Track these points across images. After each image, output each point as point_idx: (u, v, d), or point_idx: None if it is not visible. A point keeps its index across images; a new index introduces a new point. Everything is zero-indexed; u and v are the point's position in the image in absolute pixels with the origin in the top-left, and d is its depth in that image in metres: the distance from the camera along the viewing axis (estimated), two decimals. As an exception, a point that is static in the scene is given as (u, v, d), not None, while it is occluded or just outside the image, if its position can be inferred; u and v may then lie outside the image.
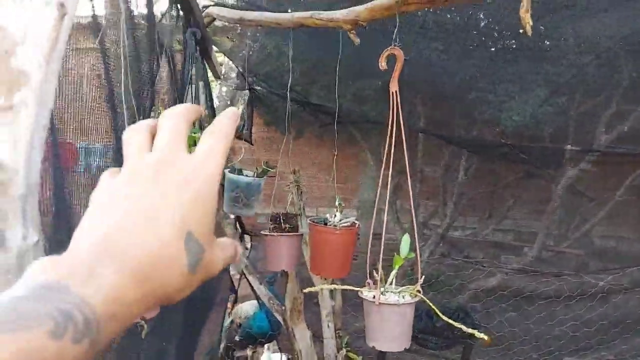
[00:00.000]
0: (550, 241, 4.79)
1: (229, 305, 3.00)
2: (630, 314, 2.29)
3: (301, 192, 1.89)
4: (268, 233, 1.57)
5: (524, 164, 4.28)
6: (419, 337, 2.41)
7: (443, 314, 1.15)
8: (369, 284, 1.14)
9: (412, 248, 1.15)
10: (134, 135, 0.38)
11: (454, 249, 5.21)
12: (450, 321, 1.09)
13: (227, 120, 0.40)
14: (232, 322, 3.24)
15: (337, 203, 1.46)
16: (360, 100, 4.06)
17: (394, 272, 1.14)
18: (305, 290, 1.30)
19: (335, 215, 1.43)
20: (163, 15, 1.38)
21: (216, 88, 3.02)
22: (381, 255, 1.07)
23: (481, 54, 3.18)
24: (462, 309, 2.56)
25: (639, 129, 3.59)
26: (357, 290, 1.13)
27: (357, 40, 1.36)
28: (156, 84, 1.19)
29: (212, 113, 2.32)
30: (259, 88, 2.89)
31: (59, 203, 0.75)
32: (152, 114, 1.14)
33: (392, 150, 1.20)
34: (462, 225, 5.59)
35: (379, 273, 1.09)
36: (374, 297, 1.08)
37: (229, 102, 2.71)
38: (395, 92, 1.19)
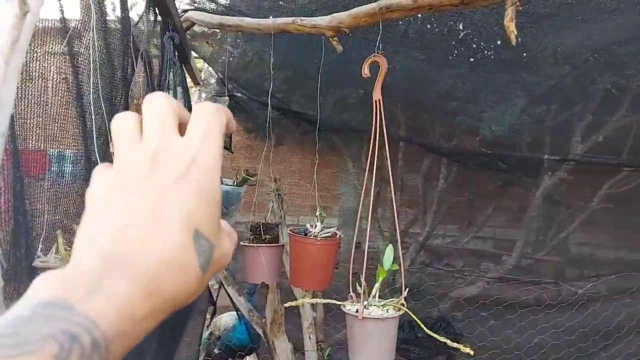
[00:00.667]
0: (529, 249, 4.84)
1: (208, 317, 2.93)
2: (609, 322, 2.30)
3: (282, 201, 1.85)
4: (247, 244, 1.52)
5: (503, 172, 4.33)
6: (401, 348, 2.38)
7: (424, 324, 1.12)
8: (351, 297, 1.10)
9: (396, 259, 1.12)
10: (122, 124, 0.35)
11: (434, 257, 5.22)
12: (434, 335, 1.06)
13: (217, 105, 0.36)
14: (211, 334, 3.16)
15: (317, 213, 1.42)
16: (342, 108, 4.06)
17: (377, 285, 1.11)
18: (286, 305, 1.26)
19: (315, 226, 1.39)
20: (140, 18, 1.33)
21: (195, 94, 2.97)
22: (364, 267, 1.04)
23: (461, 64, 3.21)
24: (444, 319, 2.54)
25: (613, 138, 3.66)
26: (340, 304, 1.10)
27: (339, 48, 1.33)
28: (132, 89, 1.14)
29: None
30: (239, 95, 2.84)
31: (19, 216, 0.69)
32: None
33: (375, 159, 1.17)
34: (442, 233, 5.61)
35: (362, 286, 1.05)
36: (356, 311, 1.05)
37: (208, 109, 2.66)
38: (378, 100, 1.16)
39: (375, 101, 1.16)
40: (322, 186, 5.62)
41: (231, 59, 2.63)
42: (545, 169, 4.06)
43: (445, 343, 1.07)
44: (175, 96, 1.90)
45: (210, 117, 0.34)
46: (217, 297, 2.71)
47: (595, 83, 3.33)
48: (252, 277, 1.54)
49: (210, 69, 2.80)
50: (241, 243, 1.53)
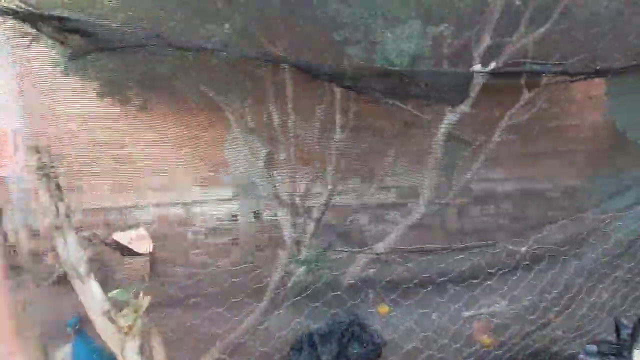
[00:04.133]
0: (436, 194, 4.48)
1: None
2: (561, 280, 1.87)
3: (58, 187, 1.06)
4: None
5: (402, 110, 3.84)
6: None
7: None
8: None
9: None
10: None
11: (339, 217, 4.73)
12: None
13: None
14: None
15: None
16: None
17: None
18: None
19: None
20: None
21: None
22: None
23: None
24: (359, 322, 1.91)
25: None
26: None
27: None
28: None
29: None
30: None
31: None
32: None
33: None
34: (345, 189, 5.11)
35: None
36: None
37: None
38: None
39: None
40: (204, 153, 4.76)
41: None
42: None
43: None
44: None
45: None
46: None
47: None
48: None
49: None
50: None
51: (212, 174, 4.99)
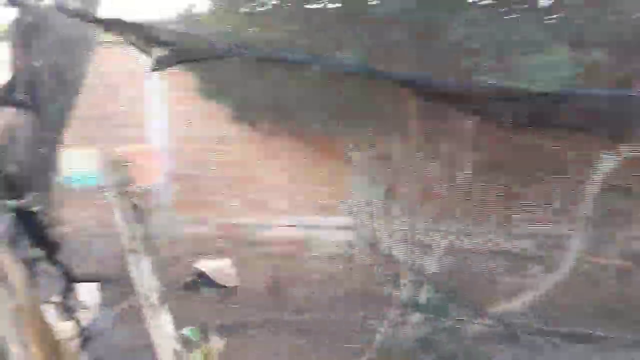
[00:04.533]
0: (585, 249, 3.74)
1: None
2: None
3: (135, 207, 1.00)
4: None
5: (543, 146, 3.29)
6: None
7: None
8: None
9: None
10: None
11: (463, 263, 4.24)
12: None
13: None
14: None
15: None
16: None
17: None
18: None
19: None
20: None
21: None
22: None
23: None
24: None
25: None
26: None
27: None
28: None
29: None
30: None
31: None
32: None
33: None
34: (474, 230, 4.58)
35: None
36: None
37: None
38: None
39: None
40: (326, 181, 4.74)
41: None
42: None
43: None
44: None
45: None
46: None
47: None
48: None
49: None
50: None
51: (332, 201, 4.93)
